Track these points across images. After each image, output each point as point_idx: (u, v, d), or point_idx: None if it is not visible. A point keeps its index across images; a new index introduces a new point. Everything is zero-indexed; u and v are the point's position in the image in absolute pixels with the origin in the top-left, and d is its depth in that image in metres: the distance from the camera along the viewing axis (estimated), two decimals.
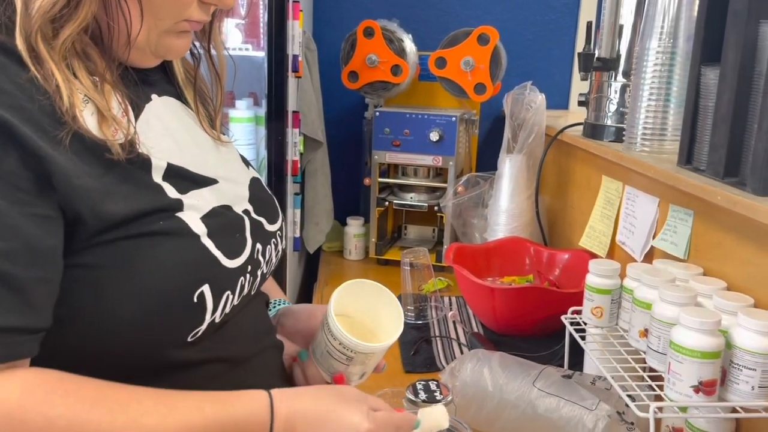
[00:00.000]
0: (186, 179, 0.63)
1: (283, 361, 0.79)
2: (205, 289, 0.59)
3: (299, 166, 1.62)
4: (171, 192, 0.60)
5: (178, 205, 0.60)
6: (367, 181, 1.82)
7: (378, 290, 0.79)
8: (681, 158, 1.05)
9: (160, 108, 0.67)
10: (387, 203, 1.84)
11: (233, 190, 0.69)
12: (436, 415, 0.71)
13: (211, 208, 0.64)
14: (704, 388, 0.80)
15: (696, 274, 0.98)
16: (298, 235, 1.69)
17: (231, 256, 0.63)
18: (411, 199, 1.84)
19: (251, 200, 0.72)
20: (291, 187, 1.62)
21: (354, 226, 1.92)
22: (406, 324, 1.44)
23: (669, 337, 0.83)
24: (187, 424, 0.55)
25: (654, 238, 1.16)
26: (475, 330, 1.41)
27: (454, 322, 1.45)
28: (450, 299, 1.60)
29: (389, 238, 1.97)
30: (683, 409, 0.84)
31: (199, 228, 0.61)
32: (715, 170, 0.95)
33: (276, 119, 1.51)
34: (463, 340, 1.36)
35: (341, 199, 2.02)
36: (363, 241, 1.92)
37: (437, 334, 1.39)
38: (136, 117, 0.62)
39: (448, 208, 1.75)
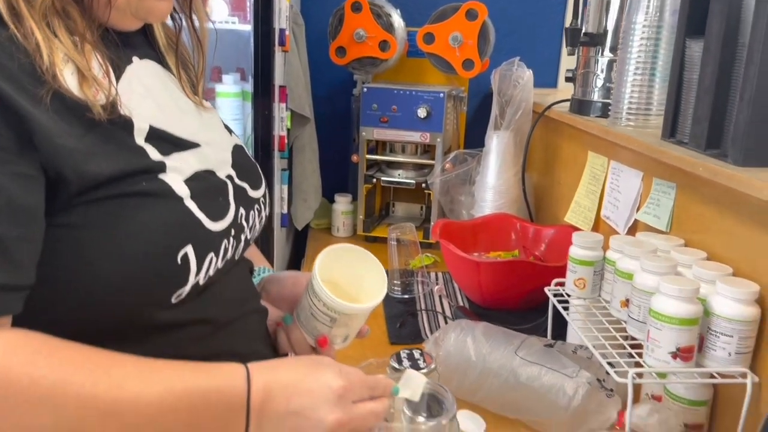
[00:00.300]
0: (168, 142, 0.63)
1: (266, 326, 0.80)
2: (189, 250, 0.59)
3: (286, 141, 1.61)
4: (153, 154, 0.60)
5: (161, 167, 0.60)
6: (354, 157, 1.82)
7: (362, 255, 0.80)
8: (665, 131, 1.06)
9: (142, 70, 0.66)
10: (375, 180, 1.84)
11: (216, 155, 0.69)
12: (415, 381, 0.71)
13: (194, 172, 0.64)
14: (682, 354, 0.82)
15: (677, 245, 0.99)
16: (285, 211, 1.69)
17: (214, 218, 0.63)
18: (399, 176, 1.84)
19: (234, 166, 0.72)
20: (278, 163, 1.61)
21: (342, 204, 1.92)
22: (392, 298, 1.46)
23: (649, 306, 0.85)
24: (168, 389, 0.56)
25: (637, 212, 1.17)
26: (461, 304, 1.42)
27: (440, 297, 1.46)
28: (437, 275, 1.61)
29: (377, 216, 1.97)
30: (661, 376, 0.85)
31: (182, 190, 0.61)
32: (698, 142, 0.95)
33: (262, 94, 1.50)
34: (448, 313, 1.37)
35: (329, 177, 2.02)
36: (351, 219, 1.93)
37: (423, 307, 1.40)
38: (117, 78, 0.62)
39: (435, 185, 1.75)
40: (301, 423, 0.61)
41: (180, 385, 0.56)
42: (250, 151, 1.60)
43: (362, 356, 1.17)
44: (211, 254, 0.62)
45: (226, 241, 0.65)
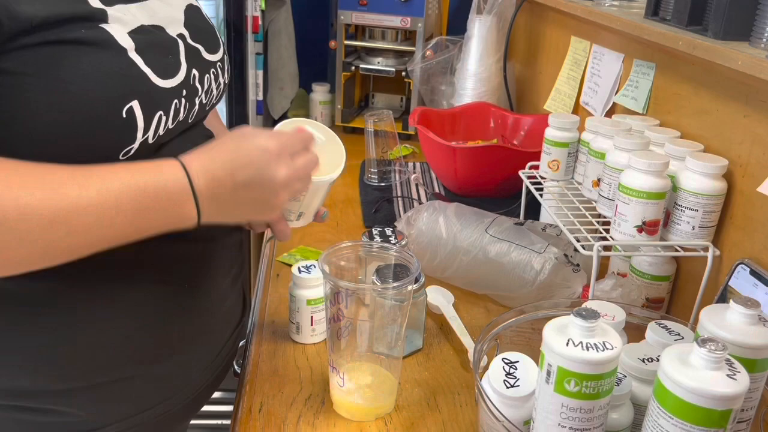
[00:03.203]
0: None
1: None
2: (134, 105, 0.58)
3: (261, 24, 1.55)
4: (94, 1, 0.57)
5: (102, 16, 0.57)
6: (332, 43, 1.76)
7: (323, 131, 0.78)
8: (648, 9, 1.03)
9: None
10: (353, 68, 1.79)
11: (165, 11, 0.66)
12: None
13: (139, 25, 0.61)
14: (647, 228, 0.83)
15: (652, 125, 0.99)
16: (260, 98, 1.65)
17: (163, 75, 0.61)
18: (378, 63, 1.79)
19: (187, 25, 0.68)
20: (252, 46, 1.56)
21: (320, 93, 1.88)
22: (368, 185, 1.46)
23: (619, 181, 0.85)
24: (106, 188, 0.54)
25: (616, 94, 1.15)
26: (437, 191, 1.43)
27: (416, 185, 1.46)
28: (414, 165, 1.60)
29: (356, 107, 1.94)
30: (627, 249, 0.87)
31: (126, 42, 0.58)
32: (680, 18, 0.93)
33: None
34: (424, 200, 1.38)
35: (307, 65, 1.96)
36: (329, 109, 1.89)
37: (399, 194, 1.40)
38: None
39: (415, 72, 1.71)
40: (254, 190, 0.62)
41: (116, 183, 0.55)
42: (221, 35, 1.55)
43: (337, 238, 1.19)
44: (160, 112, 0.61)
45: (176, 101, 0.63)
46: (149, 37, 0.61)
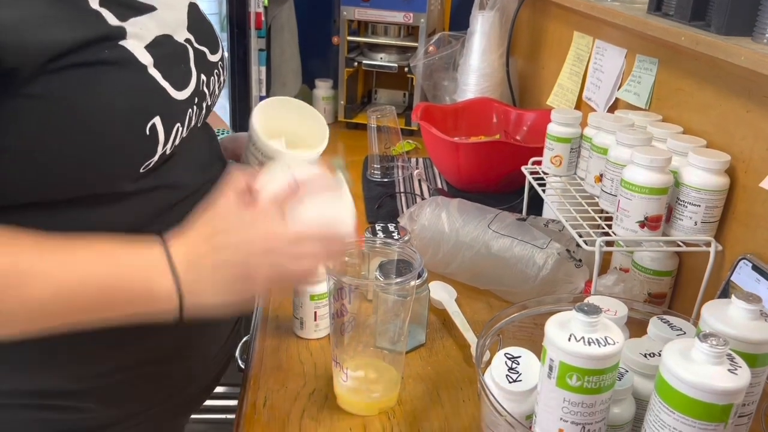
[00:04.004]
0: (124, 5, 0.59)
1: None
2: (156, 121, 0.58)
3: (263, 19, 1.55)
4: (111, 19, 0.57)
5: (121, 33, 0.57)
6: (335, 39, 1.76)
7: (303, 108, 0.78)
8: (651, 5, 1.03)
9: None
10: (356, 64, 1.79)
11: (171, 17, 0.66)
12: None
13: (154, 37, 0.61)
14: (650, 223, 0.83)
15: (655, 120, 0.99)
16: (264, 94, 1.66)
17: (178, 87, 0.62)
18: (381, 59, 1.79)
19: (191, 28, 0.69)
20: (255, 43, 1.56)
21: (322, 89, 1.88)
22: (371, 181, 1.46)
23: (621, 177, 0.85)
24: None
25: (618, 90, 1.15)
26: (440, 187, 1.43)
27: (419, 180, 1.46)
28: (417, 160, 1.60)
29: (359, 103, 1.94)
30: (629, 244, 0.87)
31: (145, 58, 0.59)
32: (683, 14, 0.93)
33: None
34: (426, 195, 1.38)
35: (309, 61, 1.96)
36: (332, 105, 1.89)
37: (402, 190, 1.41)
38: None
39: (418, 68, 1.71)
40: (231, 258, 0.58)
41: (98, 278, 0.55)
42: (225, 30, 1.55)
43: None
44: (178, 124, 0.62)
45: (190, 110, 0.64)
46: (164, 50, 0.62)
